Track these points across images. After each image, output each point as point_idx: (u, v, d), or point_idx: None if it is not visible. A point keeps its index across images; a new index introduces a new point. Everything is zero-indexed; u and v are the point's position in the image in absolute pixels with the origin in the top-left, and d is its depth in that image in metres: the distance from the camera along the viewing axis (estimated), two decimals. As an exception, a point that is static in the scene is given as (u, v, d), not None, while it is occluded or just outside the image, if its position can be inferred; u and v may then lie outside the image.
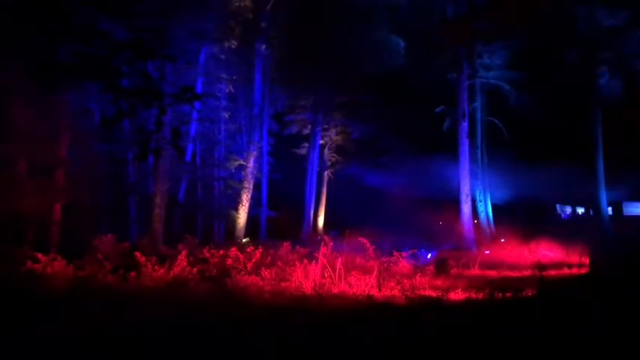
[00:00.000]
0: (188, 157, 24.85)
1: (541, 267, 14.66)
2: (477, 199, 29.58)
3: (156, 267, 12.12)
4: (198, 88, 23.38)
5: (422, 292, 11.23)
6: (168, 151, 16.92)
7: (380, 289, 11.42)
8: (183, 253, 12.86)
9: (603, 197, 28.51)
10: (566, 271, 15.87)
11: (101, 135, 19.84)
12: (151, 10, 9.24)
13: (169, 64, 16.24)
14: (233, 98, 28.68)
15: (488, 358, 6.54)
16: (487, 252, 21.58)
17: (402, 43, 27.68)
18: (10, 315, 8.23)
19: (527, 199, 31.96)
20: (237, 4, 23.62)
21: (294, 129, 32.36)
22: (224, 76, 26.46)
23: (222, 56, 25.61)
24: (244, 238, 21.71)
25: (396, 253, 13.87)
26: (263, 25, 23.10)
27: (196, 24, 20.85)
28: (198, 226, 25.30)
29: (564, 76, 28.29)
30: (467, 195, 26.18)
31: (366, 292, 11.10)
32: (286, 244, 15.33)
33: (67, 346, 6.84)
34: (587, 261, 16.69)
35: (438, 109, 31.49)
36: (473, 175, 27.82)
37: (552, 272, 15.16)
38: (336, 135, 32.46)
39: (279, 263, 13.36)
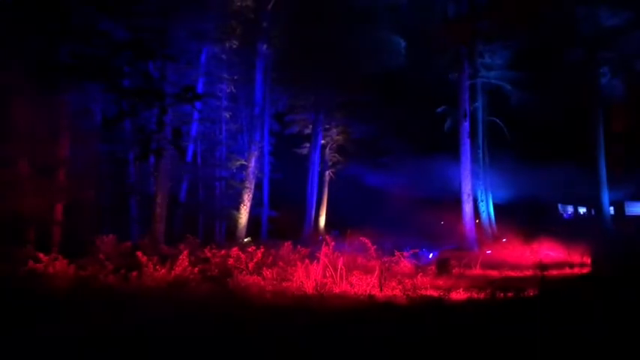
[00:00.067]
0: (189, 157, 24.85)
1: (543, 267, 14.66)
2: (478, 198, 29.54)
3: (157, 267, 12.12)
4: (200, 88, 23.39)
5: (423, 292, 11.21)
6: (170, 151, 16.92)
7: (381, 289, 11.41)
8: (185, 253, 12.86)
9: (605, 197, 28.45)
10: (567, 270, 15.84)
11: (102, 135, 19.85)
12: (152, 10, 9.24)
13: (170, 64, 16.26)
14: (234, 98, 28.69)
15: (490, 358, 6.53)
16: (489, 252, 21.56)
17: (403, 43, 27.65)
18: (12, 315, 8.23)
19: (528, 199, 31.90)
20: (238, 3, 23.64)
21: (295, 129, 32.33)
22: (225, 76, 26.47)
23: (224, 56, 25.63)
24: (246, 237, 21.72)
25: (397, 253, 13.86)
26: (264, 25, 23.10)
27: (197, 24, 20.86)
28: (199, 226, 25.31)
29: (566, 75, 28.25)
30: (468, 195, 26.14)
31: (368, 291, 11.10)
32: (288, 244, 15.32)
33: (69, 346, 6.84)
34: (588, 261, 16.69)
35: (439, 109, 31.46)
36: (474, 175, 27.78)
37: (554, 272, 15.14)
38: (338, 135, 32.42)
39: (281, 263, 13.36)
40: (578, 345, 6.76)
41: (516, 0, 25.34)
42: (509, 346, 6.76)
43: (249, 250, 13.77)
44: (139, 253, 12.39)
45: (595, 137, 28.21)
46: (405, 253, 14.24)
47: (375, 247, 13.47)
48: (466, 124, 26.58)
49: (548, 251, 19.79)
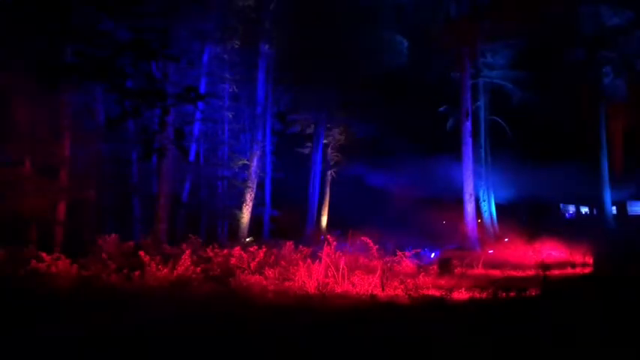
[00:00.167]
0: (192, 156, 24.85)
1: (545, 266, 14.68)
2: (480, 198, 29.53)
3: (160, 266, 12.16)
4: (202, 88, 23.38)
5: (425, 292, 11.23)
6: (172, 151, 16.91)
7: (383, 289, 11.42)
8: (187, 252, 12.89)
9: (607, 197, 28.44)
10: (569, 270, 15.85)
11: (105, 135, 19.86)
12: (154, 10, 9.24)
13: (173, 64, 16.26)
14: (236, 98, 28.66)
15: (491, 358, 6.54)
16: (491, 251, 21.57)
17: (405, 43, 27.66)
18: (14, 314, 8.26)
19: (530, 199, 31.92)
20: (240, 3, 23.63)
21: (297, 128, 32.29)
22: (227, 75, 26.45)
23: (226, 56, 25.61)
24: (248, 237, 21.73)
25: (399, 253, 13.86)
26: (266, 24, 23.10)
27: (199, 24, 20.87)
28: (201, 226, 25.30)
29: (568, 75, 28.23)
30: (470, 194, 26.13)
31: (370, 291, 11.12)
32: (289, 244, 15.33)
33: (70, 345, 6.86)
34: (590, 261, 16.70)
35: (441, 109, 31.48)
36: (476, 175, 27.76)
37: (556, 272, 15.15)
38: (340, 134, 32.41)
39: (283, 263, 13.37)
40: (580, 345, 6.76)
41: (518, 0, 25.34)
42: (511, 346, 6.77)
43: (251, 249, 13.80)
44: (142, 253, 12.42)
45: (597, 137, 28.20)
46: (407, 253, 14.25)
47: (377, 246, 13.48)
48: (468, 124, 26.57)
49: (551, 251, 19.79)
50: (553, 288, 11.71)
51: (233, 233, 23.52)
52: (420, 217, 27.03)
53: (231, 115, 28.24)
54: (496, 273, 15.62)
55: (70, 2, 8.38)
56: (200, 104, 20.53)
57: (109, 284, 11.29)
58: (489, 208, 30.29)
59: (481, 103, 30.77)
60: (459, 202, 26.50)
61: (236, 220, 22.86)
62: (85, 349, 6.73)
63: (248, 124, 28.31)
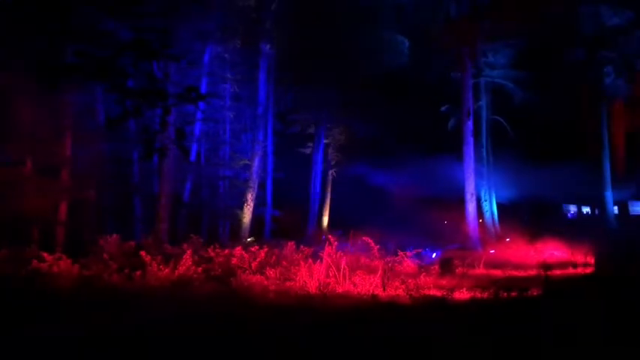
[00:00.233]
0: (193, 156, 24.85)
1: (546, 266, 14.66)
2: (482, 198, 29.50)
3: (161, 266, 12.16)
4: (203, 87, 23.38)
5: (426, 292, 11.23)
6: (173, 150, 16.93)
7: (384, 289, 11.42)
8: (188, 252, 12.89)
9: (609, 196, 28.43)
10: (571, 270, 15.82)
11: (106, 135, 19.87)
12: (155, 10, 9.25)
13: (174, 64, 16.28)
14: (237, 98, 28.66)
15: (493, 359, 6.53)
16: (492, 251, 21.54)
17: (406, 43, 27.65)
18: (15, 314, 8.27)
19: (532, 199, 31.87)
20: (241, 3, 23.63)
21: (298, 128, 32.31)
22: (228, 75, 26.45)
23: (227, 56, 25.61)
24: (249, 237, 21.72)
25: (400, 253, 13.85)
26: (267, 24, 23.10)
27: (200, 24, 20.86)
28: (203, 226, 25.31)
29: (569, 74, 28.22)
30: (472, 194, 26.11)
31: (371, 291, 11.11)
32: (291, 244, 15.32)
33: (71, 345, 6.86)
34: (592, 261, 16.67)
35: (442, 108, 31.46)
36: (478, 175, 27.75)
37: (557, 272, 15.12)
38: (340, 134, 32.40)
39: (284, 262, 13.37)
40: (581, 345, 6.75)
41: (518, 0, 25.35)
42: (513, 346, 6.76)
43: (253, 249, 13.79)
44: (143, 253, 12.43)
45: (599, 137, 28.17)
46: (408, 253, 14.24)
47: (378, 246, 13.47)
48: (469, 123, 26.55)
49: (552, 251, 19.77)
50: (554, 288, 11.71)
51: (234, 233, 23.52)
52: (422, 217, 26.99)
53: (232, 115, 28.24)
54: (497, 273, 15.61)
55: (70, 2, 8.39)
56: (201, 104, 20.53)
57: (111, 284, 11.29)
58: (491, 208, 30.26)
59: (482, 102, 30.75)
60: (461, 202, 26.49)
61: (237, 220, 22.86)
62: (87, 349, 6.73)
63: (249, 124, 28.30)
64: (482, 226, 28.48)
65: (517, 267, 16.65)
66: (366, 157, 31.37)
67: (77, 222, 16.60)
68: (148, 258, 12.19)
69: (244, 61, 25.96)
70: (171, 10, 13.67)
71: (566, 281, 13.54)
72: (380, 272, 11.75)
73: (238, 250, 13.64)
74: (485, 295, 10.76)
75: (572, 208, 39.92)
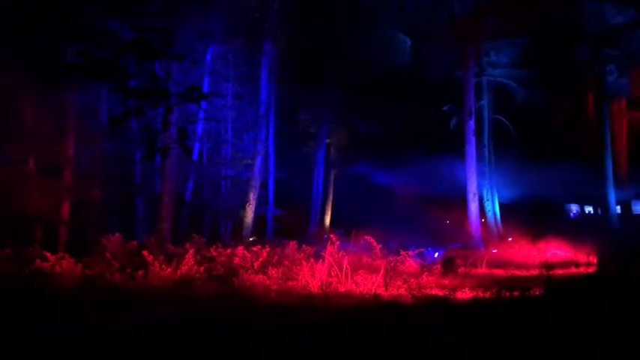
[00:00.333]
0: (195, 156, 24.89)
1: (549, 266, 14.62)
2: (484, 197, 29.44)
3: (163, 266, 12.17)
4: (205, 87, 23.42)
5: (429, 291, 11.23)
6: (176, 150, 16.96)
7: (387, 288, 11.42)
8: (191, 252, 12.89)
9: (612, 196, 28.34)
10: (573, 270, 15.80)
11: (108, 134, 19.90)
12: (157, 10, 9.25)
13: (176, 63, 16.29)
14: (239, 97, 28.67)
15: (494, 358, 6.52)
16: (494, 251, 21.52)
17: (409, 42, 27.63)
18: (17, 314, 8.29)
19: (534, 198, 31.75)
20: (243, 3, 23.64)
21: (300, 127, 32.32)
22: (231, 75, 26.48)
23: (229, 55, 25.64)
24: (251, 236, 21.72)
25: (402, 252, 13.85)
26: (270, 24, 23.10)
27: (203, 24, 20.89)
28: (205, 225, 25.33)
29: (572, 73, 28.15)
30: (474, 194, 26.08)
31: (373, 291, 11.11)
32: (293, 243, 15.33)
33: (72, 345, 6.87)
34: (595, 260, 16.64)
35: (444, 108, 31.38)
36: (480, 174, 27.71)
37: (560, 271, 15.10)
38: (342, 133, 32.40)
39: (286, 262, 13.38)
40: (582, 345, 6.74)
41: (522, -2, 25.32)
42: (514, 346, 6.76)
43: (255, 249, 13.78)
44: (145, 253, 12.43)
45: (601, 136, 28.09)
46: (411, 253, 14.24)
47: (380, 246, 13.47)
48: (472, 123, 26.51)
49: (555, 250, 19.73)
50: (557, 287, 11.69)
51: (236, 233, 23.53)
52: (424, 217, 26.97)
53: (234, 115, 28.24)
54: (500, 272, 15.60)
55: (70, 2, 8.39)
56: (203, 103, 20.58)
57: (113, 284, 11.32)
58: (493, 208, 30.21)
59: (485, 101, 30.67)
60: (463, 202, 26.45)
61: (239, 220, 22.87)
62: (87, 348, 6.74)
63: (251, 124, 28.27)
64: (485, 225, 28.43)
65: (519, 266, 16.63)
66: (368, 156, 31.35)
67: (80, 222, 16.64)
68: (150, 257, 12.20)
69: (246, 61, 25.97)
70: (172, 10, 13.67)
71: (569, 281, 13.52)
72: (382, 272, 11.74)
73: (240, 249, 13.66)
74: (488, 294, 10.76)
75: (575, 208, 39.80)
